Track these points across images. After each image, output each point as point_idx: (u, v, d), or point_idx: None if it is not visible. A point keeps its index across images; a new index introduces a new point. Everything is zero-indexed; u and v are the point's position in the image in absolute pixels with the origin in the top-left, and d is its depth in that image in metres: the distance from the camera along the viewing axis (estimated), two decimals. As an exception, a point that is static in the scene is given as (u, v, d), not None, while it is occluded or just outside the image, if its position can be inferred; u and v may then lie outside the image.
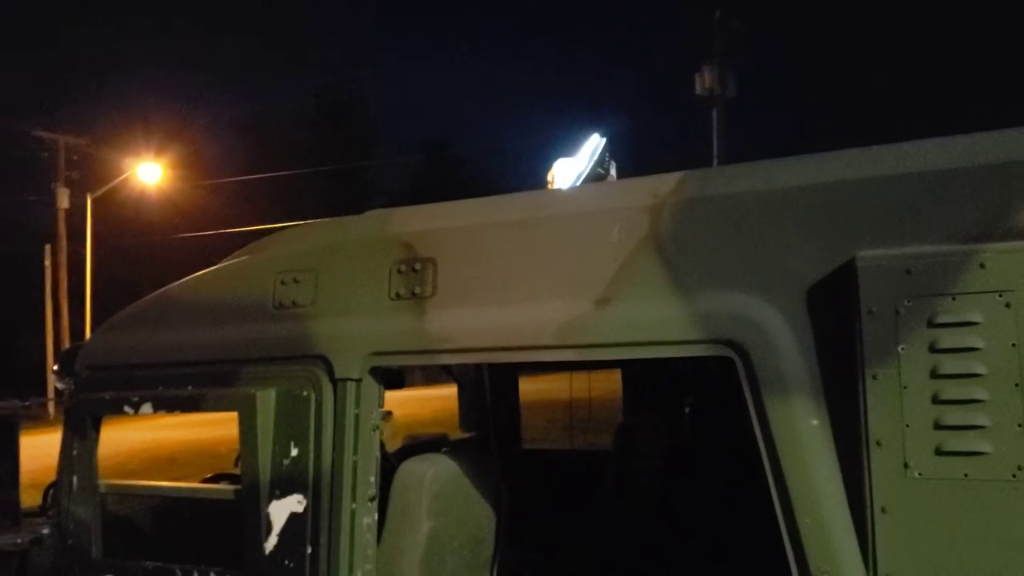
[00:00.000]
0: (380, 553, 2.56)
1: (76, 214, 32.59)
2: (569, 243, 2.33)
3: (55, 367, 3.18)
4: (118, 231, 37.90)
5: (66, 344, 32.70)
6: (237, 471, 4.37)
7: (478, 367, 4.26)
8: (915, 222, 1.93)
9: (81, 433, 2.85)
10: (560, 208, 2.43)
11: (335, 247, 2.67)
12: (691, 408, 3.82)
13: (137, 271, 36.04)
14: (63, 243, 33.06)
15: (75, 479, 2.85)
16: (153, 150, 32.50)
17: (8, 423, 3.00)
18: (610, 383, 4.99)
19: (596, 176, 2.96)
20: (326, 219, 2.85)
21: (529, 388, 5.07)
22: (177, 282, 2.96)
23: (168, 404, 2.73)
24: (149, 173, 31.13)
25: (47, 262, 33.31)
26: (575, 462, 4.55)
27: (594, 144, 3.00)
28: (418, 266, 2.49)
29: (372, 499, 2.52)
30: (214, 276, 2.88)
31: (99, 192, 31.31)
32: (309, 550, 2.47)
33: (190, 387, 2.71)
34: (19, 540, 2.90)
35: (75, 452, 2.86)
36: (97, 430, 2.86)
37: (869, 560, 1.88)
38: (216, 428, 21.55)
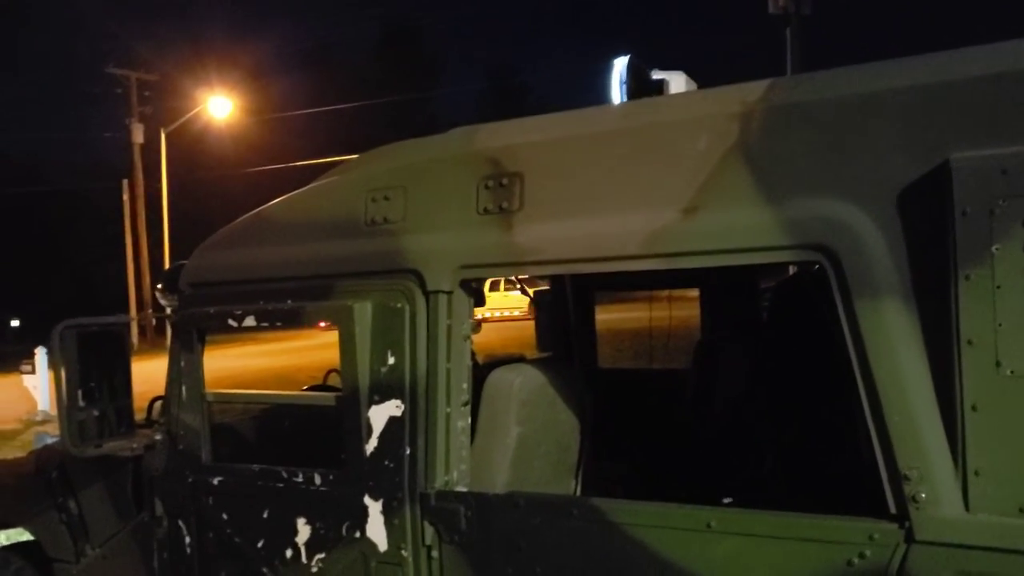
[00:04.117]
0: (472, 456, 2.68)
1: (150, 149, 33.28)
2: (656, 153, 2.36)
3: (159, 285, 3.35)
4: (191, 165, 38.71)
5: (146, 274, 33.83)
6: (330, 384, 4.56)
7: (557, 287, 4.34)
8: (1010, 122, 1.91)
9: (188, 346, 3.02)
10: (646, 118, 2.45)
11: (423, 164, 2.74)
12: (770, 326, 3.83)
13: (209, 204, 36.82)
14: (139, 178, 33.88)
15: (183, 389, 3.02)
16: (223, 84, 32.86)
17: (118, 337, 3.18)
18: (687, 310, 5.03)
19: (635, 92, 2.97)
20: (413, 139, 2.90)
21: (601, 318, 5.12)
22: (271, 202, 3.07)
23: (269, 317, 2.86)
24: (220, 107, 31.51)
25: (125, 196, 34.22)
26: (654, 380, 4.62)
27: (620, 67, 3.01)
28: (505, 181, 2.54)
29: (465, 404, 2.63)
30: (307, 195, 2.98)
31: (172, 126, 31.87)
32: (408, 451, 2.60)
33: (289, 301, 2.84)
34: (134, 446, 3.10)
35: (183, 364, 3.03)
36: (202, 343, 3.02)
37: (958, 457, 1.92)
38: (294, 356, 22.22)
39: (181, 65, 38.64)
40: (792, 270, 4.64)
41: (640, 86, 3.03)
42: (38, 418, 15.81)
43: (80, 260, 42.39)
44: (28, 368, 16.44)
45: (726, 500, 2.80)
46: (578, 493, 3.13)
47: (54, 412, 13.46)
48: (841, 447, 2.87)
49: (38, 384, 16.32)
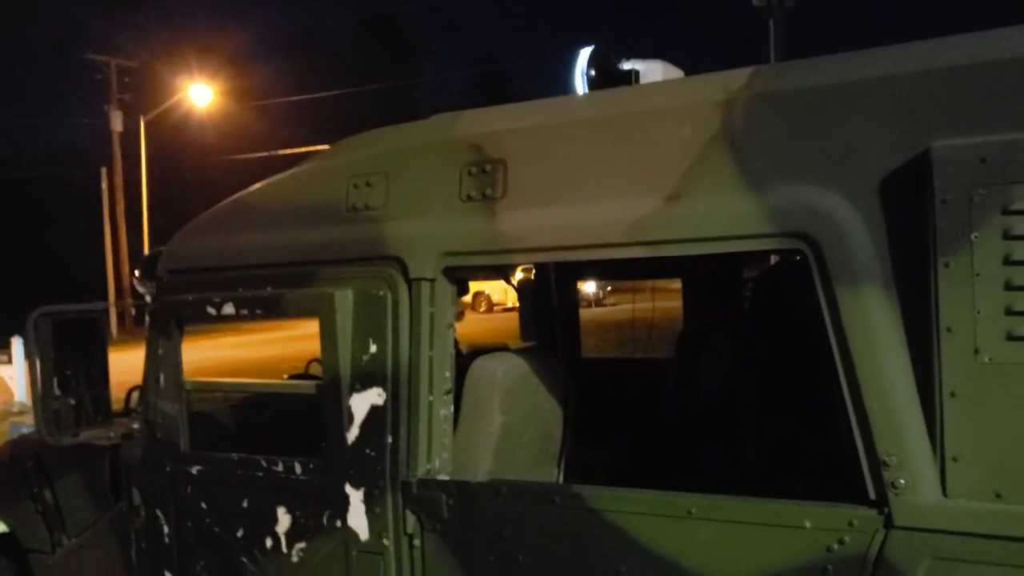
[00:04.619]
0: (455, 444, 2.67)
1: (130, 137, 32.99)
2: (639, 141, 2.35)
3: (136, 272, 3.31)
4: (172, 153, 38.39)
5: (125, 263, 33.56)
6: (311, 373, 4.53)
7: (541, 276, 4.33)
8: (990, 111, 1.92)
9: (166, 334, 2.99)
10: (630, 106, 2.44)
11: (405, 150, 2.72)
12: (752, 314, 3.84)
13: (190, 193, 36.55)
14: (118, 166, 33.58)
15: (161, 377, 2.99)
16: (204, 72, 32.61)
17: (95, 324, 3.13)
18: (669, 302, 5.03)
19: (598, 84, 2.95)
20: (396, 125, 2.88)
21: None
22: (251, 188, 3.04)
23: (249, 305, 2.83)
24: (200, 95, 31.26)
25: (104, 185, 33.92)
26: (636, 369, 4.62)
27: (583, 58, 2.99)
28: (488, 167, 2.53)
29: (448, 392, 2.62)
30: (287, 181, 2.95)
31: (152, 114, 31.59)
32: (389, 439, 2.59)
33: (269, 288, 2.81)
34: (111, 435, 3.07)
35: (161, 352, 3.00)
36: (181, 331, 2.99)
37: (937, 444, 1.93)
38: (274, 347, 22.11)
39: (161, 52, 38.29)
40: (773, 259, 4.67)
41: (605, 77, 3.00)
42: (14, 409, 15.66)
43: (59, 248, 41.98)
44: (4, 358, 16.29)
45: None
46: (561, 481, 3.13)
47: (31, 403, 13.39)
48: (822, 435, 2.89)
49: (14, 374, 16.18)
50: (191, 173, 39.65)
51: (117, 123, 33.32)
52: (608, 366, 4.93)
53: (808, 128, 2.12)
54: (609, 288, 24.53)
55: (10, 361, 16.16)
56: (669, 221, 2.24)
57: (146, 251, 33.07)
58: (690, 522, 2.18)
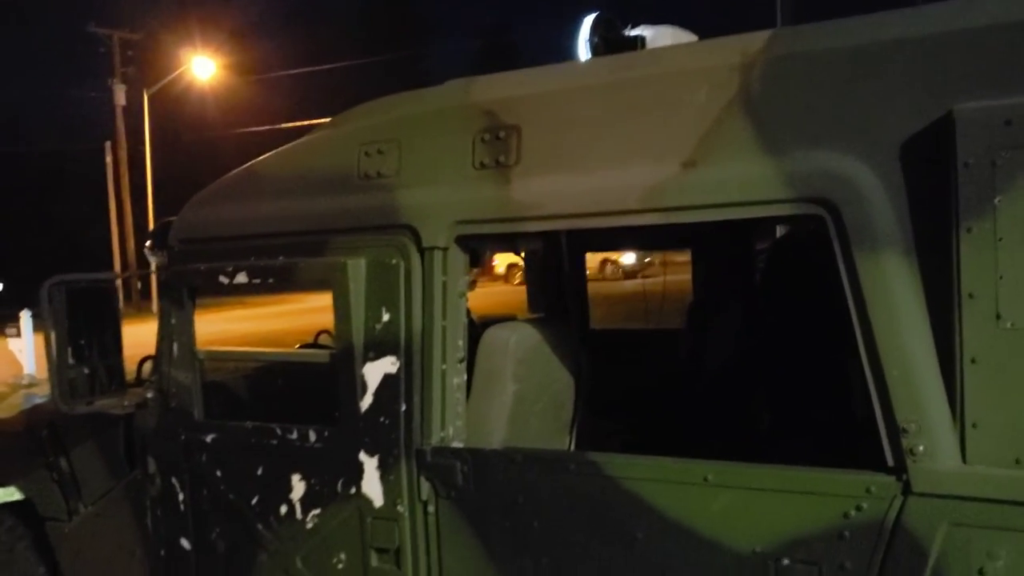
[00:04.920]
0: (468, 413, 2.67)
1: (134, 111, 32.91)
2: (655, 106, 2.32)
3: (148, 242, 3.30)
4: (176, 127, 38.30)
5: (130, 237, 33.59)
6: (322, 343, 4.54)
7: (550, 246, 4.31)
8: (1014, 72, 1.89)
9: (178, 303, 2.98)
10: (646, 70, 2.41)
11: (417, 118, 2.69)
12: (765, 284, 3.83)
13: (195, 166, 36.48)
14: (122, 140, 33.51)
15: (174, 346, 2.99)
16: (208, 45, 32.44)
17: (107, 293, 3.14)
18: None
19: (602, 50, 2.92)
20: (408, 91, 2.86)
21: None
22: (262, 157, 3.03)
23: (261, 274, 2.82)
24: (203, 68, 31.10)
25: (108, 159, 33.87)
26: (646, 340, 4.62)
27: (586, 24, 2.96)
28: (502, 134, 2.51)
29: (461, 361, 2.61)
30: (299, 150, 2.93)
31: (155, 88, 31.46)
32: (403, 407, 2.59)
33: (281, 258, 2.80)
34: (125, 404, 3.07)
35: (173, 321, 2.99)
36: (193, 300, 2.99)
37: (956, 410, 1.92)
38: (280, 320, 22.16)
39: (165, 24, 38.09)
40: (779, 232, 4.64)
41: (609, 44, 2.97)
42: (24, 381, 15.76)
43: (65, 222, 42.05)
44: (13, 331, 16.36)
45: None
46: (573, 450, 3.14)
47: (40, 375, 13.45)
48: (835, 404, 2.89)
49: (24, 347, 16.25)
50: (196, 146, 39.55)
51: (120, 97, 33.21)
52: (617, 337, 4.93)
53: (827, 91, 2.10)
54: (648, 259, 23.72)
55: (19, 335, 16.23)
56: (685, 187, 2.22)
57: (151, 225, 33.08)
58: (706, 489, 2.18)
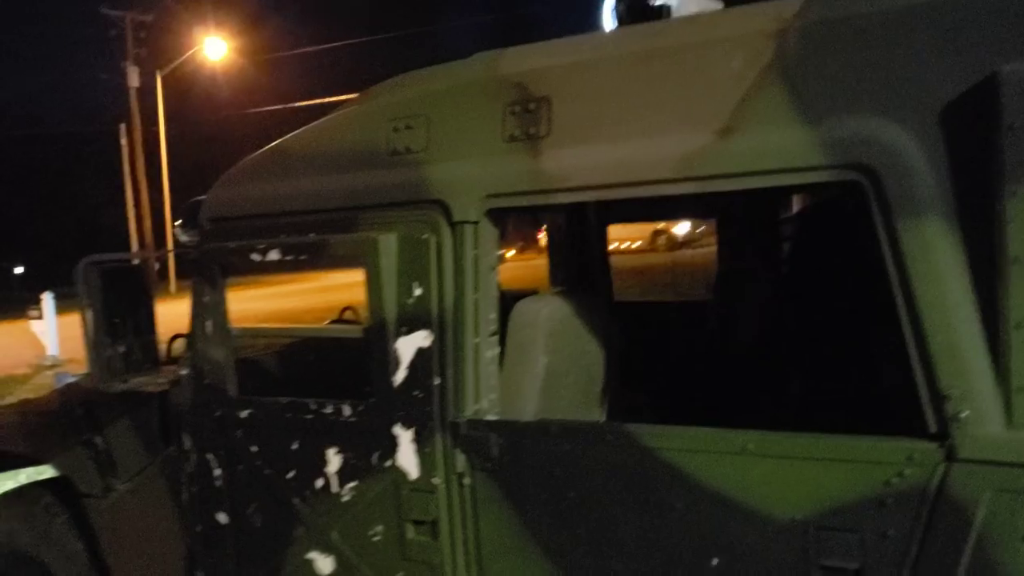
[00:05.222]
0: (500, 386, 2.68)
1: (148, 92, 32.96)
2: (689, 74, 2.30)
3: (178, 221, 3.32)
4: (191, 108, 38.34)
5: (147, 218, 33.75)
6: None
7: (574, 219, 4.30)
8: None
9: (211, 281, 3.00)
10: (678, 38, 2.39)
11: (445, 92, 2.68)
12: (796, 252, 3.81)
13: (210, 146, 36.56)
14: (136, 122, 33.59)
15: (208, 324, 3.01)
16: (219, 25, 32.39)
17: (139, 272, 3.16)
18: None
19: (628, 20, 2.90)
20: (435, 65, 2.85)
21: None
22: (290, 134, 3.02)
23: (293, 251, 2.83)
24: (215, 48, 31.06)
25: (123, 141, 33.97)
26: (672, 311, 4.62)
27: None
28: (532, 106, 2.49)
29: (493, 334, 2.62)
30: (327, 126, 2.93)
31: (167, 69, 31.48)
32: (437, 381, 2.60)
33: (312, 235, 2.81)
34: (160, 380, 3.10)
35: (206, 299, 3.01)
36: (225, 278, 3.00)
37: (1001, 375, 1.91)
38: (297, 299, 22.28)
39: (176, 4, 37.98)
40: (797, 204, 4.61)
41: (634, 13, 2.94)
42: (47, 363, 15.94)
43: (82, 205, 42.29)
44: (36, 313, 16.55)
45: None
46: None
47: (64, 357, 13.60)
48: (869, 371, 2.88)
49: (46, 329, 16.43)
50: (210, 126, 39.61)
51: (134, 78, 33.24)
52: (642, 309, 4.93)
53: (866, 55, 2.07)
54: (703, 228, 22.74)
55: (41, 317, 16.40)
56: (720, 155, 2.20)
57: (167, 205, 33.25)
58: (746, 458, 2.18)
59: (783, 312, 3.70)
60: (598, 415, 3.11)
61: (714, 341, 3.84)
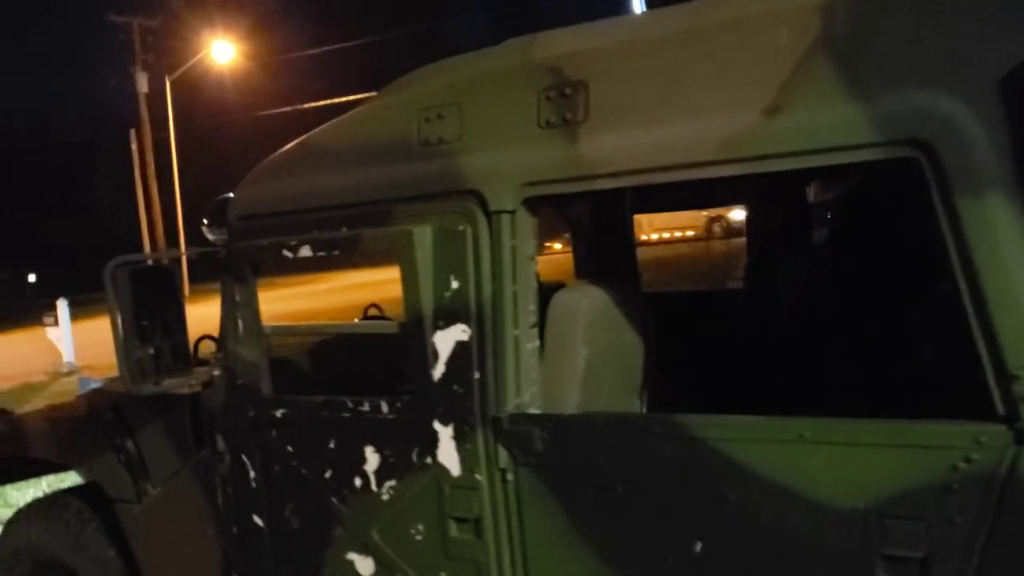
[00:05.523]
0: (541, 378, 2.62)
1: (157, 97, 33.01)
2: (731, 52, 2.24)
3: (205, 220, 3.27)
4: (200, 111, 38.42)
5: (159, 223, 33.83)
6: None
7: (602, 208, 4.23)
8: None
9: (241, 280, 2.95)
10: (718, 16, 2.32)
11: (477, 79, 2.63)
12: (835, 237, 3.73)
13: (220, 149, 36.65)
14: (147, 127, 33.66)
15: (240, 323, 2.96)
16: (226, 27, 32.39)
17: (169, 273, 3.11)
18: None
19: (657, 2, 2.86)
20: (466, 53, 2.79)
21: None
22: (318, 129, 2.98)
23: (326, 246, 2.78)
24: (223, 52, 31.08)
25: (133, 146, 34.05)
26: (703, 301, 4.55)
27: None
28: (568, 91, 2.43)
29: (533, 326, 2.56)
30: (355, 119, 2.88)
31: (176, 74, 31.53)
32: (477, 375, 2.54)
33: (344, 229, 2.75)
34: (192, 382, 3.06)
35: (237, 298, 2.96)
36: (256, 276, 2.95)
37: None
38: (310, 300, 22.27)
39: (184, 9, 38.04)
40: (814, 191, 4.52)
41: None
42: (64, 370, 15.99)
43: (94, 211, 42.46)
44: (51, 320, 16.60)
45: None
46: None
47: (79, 363, 13.64)
48: (916, 356, 2.81)
49: (62, 336, 16.49)
50: (220, 130, 39.71)
51: (143, 83, 33.30)
52: (672, 300, 4.85)
53: (920, 26, 2.00)
54: None
55: (56, 323, 16.46)
56: (768, 135, 2.14)
57: (179, 212, 33.32)
58: (803, 446, 2.11)
59: (822, 298, 3.62)
60: (637, 406, 3.05)
61: (749, 330, 3.77)
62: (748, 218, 4.47)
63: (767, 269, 3.93)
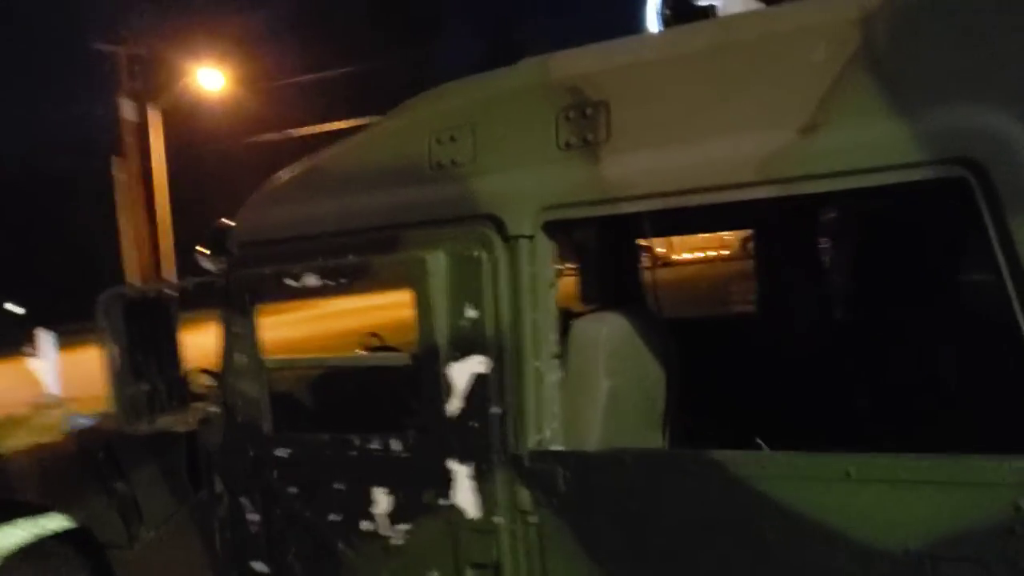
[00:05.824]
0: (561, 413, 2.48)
1: (146, 126, 32.82)
2: (763, 69, 2.13)
3: (200, 247, 3.12)
4: (188, 140, 38.24)
5: (145, 253, 33.52)
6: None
7: (605, 233, 4.11)
8: None
9: (241, 311, 2.81)
10: (748, 32, 2.21)
11: (491, 100, 2.51)
12: (859, 258, 3.62)
13: (210, 177, 36.50)
14: (134, 155, 33.44)
15: (239, 357, 2.82)
16: (214, 55, 32.29)
17: (164, 305, 2.97)
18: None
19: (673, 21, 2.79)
20: (479, 73, 2.68)
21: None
22: (323, 151, 2.85)
23: (332, 275, 2.65)
24: (209, 79, 30.96)
25: (118, 174, 33.79)
26: (715, 326, 4.42)
27: None
28: (588, 111, 2.32)
29: (555, 356, 2.43)
30: (361, 142, 2.76)
31: (163, 101, 31.35)
32: (495, 410, 2.40)
33: (351, 256, 2.62)
34: (189, 420, 2.91)
35: (236, 330, 2.82)
36: (256, 306, 2.81)
37: None
38: (300, 328, 21.98)
39: (170, 37, 38.00)
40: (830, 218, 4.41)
41: (679, 14, 2.82)
42: (45, 401, 15.69)
43: (78, 241, 42.18)
44: (29, 351, 16.32)
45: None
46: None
47: (64, 395, 13.35)
48: (947, 381, 2.69)
49: (45, 367, 16.19)
50: (210, 157, 39.54)
51: (128, 111, 33.10)
52: (685, 323, 4.73)
53: (963, 41, 1.90)
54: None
55: (36, 354, 16.17)
56: (807, 154, 2.02)
57: (160, 240, 33.06)
58: (849, 484, 1.98)
59: (838, 324, 3.51)
60: (660, 442, 2.91)
61: (763, 358, 3.65)
62: (756, 242, 4.35)
63: (778, 296, 3.82)
